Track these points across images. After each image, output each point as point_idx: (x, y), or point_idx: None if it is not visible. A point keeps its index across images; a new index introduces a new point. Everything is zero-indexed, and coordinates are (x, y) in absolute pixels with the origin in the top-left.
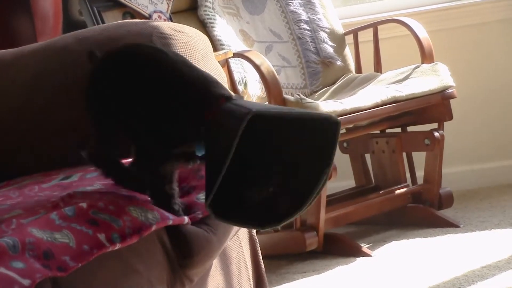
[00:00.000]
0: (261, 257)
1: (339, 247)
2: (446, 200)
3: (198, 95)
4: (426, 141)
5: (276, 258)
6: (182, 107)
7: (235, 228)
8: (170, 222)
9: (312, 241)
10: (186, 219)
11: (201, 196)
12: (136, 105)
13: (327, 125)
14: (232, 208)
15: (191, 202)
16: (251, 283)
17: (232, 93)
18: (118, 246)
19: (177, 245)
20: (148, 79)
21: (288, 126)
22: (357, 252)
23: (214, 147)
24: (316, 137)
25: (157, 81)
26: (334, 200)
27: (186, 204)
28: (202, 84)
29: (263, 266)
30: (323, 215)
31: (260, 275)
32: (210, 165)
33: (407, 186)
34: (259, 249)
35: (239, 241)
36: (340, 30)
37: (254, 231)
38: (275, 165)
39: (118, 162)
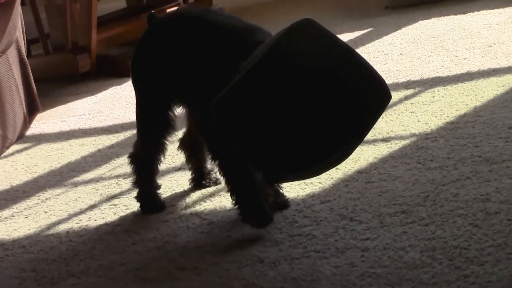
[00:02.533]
0: (33, 81)
1: (112, 68)
2: None
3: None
4: None
5: (49, 81)
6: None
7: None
8: None
9: (84, 62)
10: None
11: None
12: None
13: (378, 92)
14: None
15: None
16: (24, 106)
17: None
18: None
19: None
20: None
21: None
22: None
23: None
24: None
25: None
26: (106, 21)
27: None
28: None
29: (35, 89)
30: (95, 36)
31: (32, 98)
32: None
33: (178, 4)
34: (30, 72)
35: (9, 65)
36: None
37: (25, 53)
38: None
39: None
